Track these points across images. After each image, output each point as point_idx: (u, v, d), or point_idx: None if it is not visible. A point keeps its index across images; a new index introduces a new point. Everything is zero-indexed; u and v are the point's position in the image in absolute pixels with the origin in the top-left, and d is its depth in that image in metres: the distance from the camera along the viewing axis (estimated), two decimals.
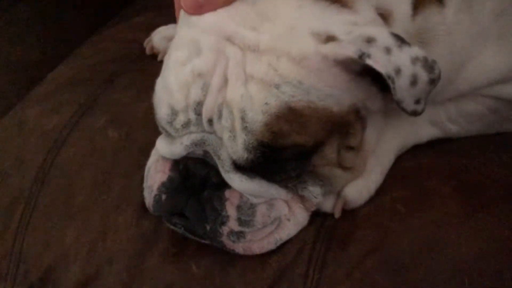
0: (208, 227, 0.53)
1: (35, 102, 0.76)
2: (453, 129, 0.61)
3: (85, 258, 0.60)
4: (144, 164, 0.59)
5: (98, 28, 0.98)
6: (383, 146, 0.57)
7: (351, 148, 0.53)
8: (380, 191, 0.57)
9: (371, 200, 0.56)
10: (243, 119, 0.48)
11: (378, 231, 0.53)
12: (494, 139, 0.61)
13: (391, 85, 0.46)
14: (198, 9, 0.50)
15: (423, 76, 0.47)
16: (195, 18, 0.51)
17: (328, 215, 0.56)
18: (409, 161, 0.59)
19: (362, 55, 0.46)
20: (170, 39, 0.78)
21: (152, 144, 0.59)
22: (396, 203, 0.55)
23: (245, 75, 0.48)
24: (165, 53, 0.77)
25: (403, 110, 0.48)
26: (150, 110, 0.67)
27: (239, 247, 0.53)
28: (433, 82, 0.48)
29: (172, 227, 0.56)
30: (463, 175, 0.56)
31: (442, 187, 0.55)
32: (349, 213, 0.55)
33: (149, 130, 0.65)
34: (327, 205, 0.56)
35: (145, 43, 0.83)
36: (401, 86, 0.47)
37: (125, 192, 0.63)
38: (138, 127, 0.68)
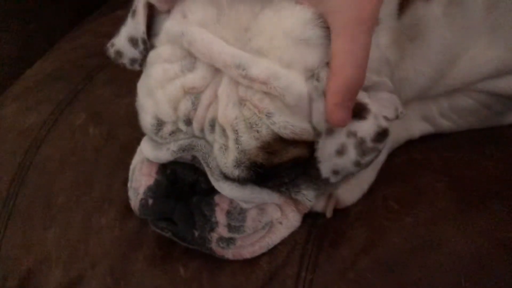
0: (196, 234, 0.51)
1: (13, 99, 0.74)
2: (446, 124, 0.60)
3: (67, 261, 0.58)
4: (127, 163, 0.57)
5: (79, 22, 0.96)
6: None
7: None
8: (372, 188, 0.55)
9: (364, 198, 0.55)
10: (236, 140, 0.46)
11: (370, 230, 0.52)
12: (487, 133, 0.60)
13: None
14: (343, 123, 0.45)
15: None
16: (189, 38, 0.46)
17: (320, 215, 0.54)
18: (402, 157, 0.58)
19: None
20: None
21: (134, 142, 0.57)
22: (388, 200, 0.54)
23: (238, 97, 0.46)
24: None
25: None
26: (131, 107, 0.64)
27: (229, 253, 0.51)
28: None
29: (158, 231, 0.54)
30: (456, 171, 0.55)
31: (435, 183, 0.54)
32: (341, 212, 0.54)
33: (131, 127, 0.63)
34: (319, 205, 0.54)
35: None
36: None
37: (108, 192, 0.60)
38: (120, 124, 0.65)
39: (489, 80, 0.57)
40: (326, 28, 0.45)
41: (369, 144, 0.46)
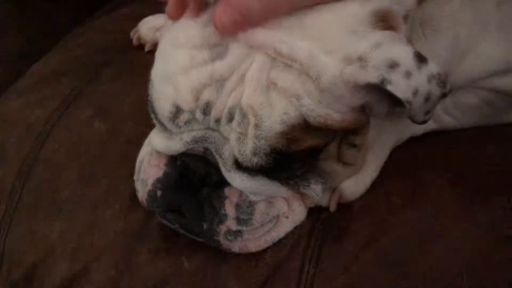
0: (205, 226, 0.51)
1: (18, 94, 0.74)
2: (449, 121, 0.60)
3: (71, 254, 0.58)
4: (132, 156, 0.57)
5: (83, 20, 0.96)
6: (379, 140, 0.56)
7: (354, 145, 0.52)
8: (376, 183, 0.55)
9: (367, 193, 0.55)
10: (257, 125, 0.46)
11: (374, 224, 0.52)
12: (490, 130, 0.60)
13: (407, 106, 0.46)
14: (233, 28, 0.46)
15: (437, 92, 0.47)
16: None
17: (323, 209, 0.55)
18: (404, 153, 0.58)
19: (383, 82, 0.45)
20: (157, 29, 0.77)
21: (139, 137, 0.57)
22: (391, 195, 0.54)
23: (267, 81, 0.46)
24: (152, 43, 0.77)
25: (413, 121, 0.49)
26: (137, 102, 0.66)
27: (236, 246, 0.52)
28: (444, 95, 0.48)
29: (165, 222, 0.54)
30: (459, 167, 0.56)
31: (438, 179, 0.55)
32: (344, 206, 0.54)
33: (136, 122, 0.64)
34: (323, 199, 0.54)
35: (131, 34, 0.81)
36: (415, 105, 0.46)
37: (113, 186, 0.61)
38: (125, 119, 0.66)
39: (494, 77, 0.58)
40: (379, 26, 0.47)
41: (442, 73, 0.47)
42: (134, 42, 0.80)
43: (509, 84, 0.57)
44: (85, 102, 0.69)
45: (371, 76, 0.45)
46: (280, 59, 0.46)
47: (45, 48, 0.88)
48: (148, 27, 0.79)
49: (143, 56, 0.75)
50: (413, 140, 0.59)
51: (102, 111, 0.67)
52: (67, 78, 0.75)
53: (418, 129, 0.60)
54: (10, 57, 0.93)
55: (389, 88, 0.45)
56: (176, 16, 0.51)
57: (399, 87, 0.45)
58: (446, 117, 0.60)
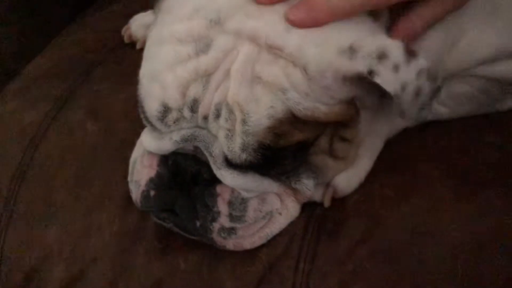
0: (198, 224, 0.51)
1: (11, 97, 0.74)
2: (443, 111, 0.59)
3: (68, 257, 0.58)
4: (126, 157, 0.57)
5: (75, 17, 0.95)
6: (372, 133, 0.55)
7: (344, 139, 0.51)
8: (369, 177, 0.55)
9: (361, 187, 0.55)
10: (244, 121, 0.46)
11: (368, 219, 0.52)
12: (484, 120, 0.60)
13: (396, 100, 0.46)
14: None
15: (426, 87, 0.46)
16: (214, 11, 0.47)
17: (318, 205, 0.54)
18: (398, 145, 0.58)
19: (371, 73, 0.45)
20: (148, 26, 0.76)
21: (132, 136, 0.57)
22: (385, 188, 0.54)
23: (252, 75, 0.46)
24: (143, 40, 0.76)
25: (407, 117, 0.49)
26: (129, 102, 0.65)
27: (230, 244, 0.51)
28: (434, 91, 0.47)
29: (159, 221, 0.54)
30: (453, 158, 0.55)
31: (432, 171, 0.54)
32: (338, 201, 0.54)
33: (129, 122, 0.64)
34: (317, 194, 0.54)
35: (123, 31, 0.80)
36: (405, 99, 0.46)
37: (107, 188, 0.61)
38: (118, 119, 0.65)
39: (486, 65, 0.57)
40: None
41: (432, 68, 0.47)
42: (126, 39, 0.79)
43: (502, 71, 0.57)
44: (77, 103, 0.69)
45: (360, 65, 0.45)
46: (268, 50, 0.46)
47: (39, 46, 0.87)
48: (139, 24, 0.78)
49: (134, 54, 0.74)
50: (406, 132, 0.59)
51: (95, 112, 0.67)
52: (59, 79, 0.74)
53: (411, 121, 0.60)
54: (4, 57, 0.92)
55: (377, 79, 0.45)
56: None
57: (387, 79, 0.45)
58: (440, 107, 0.59)
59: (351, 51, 0.45)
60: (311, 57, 0.45)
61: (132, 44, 0.78)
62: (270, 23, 0.46)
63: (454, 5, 0.51)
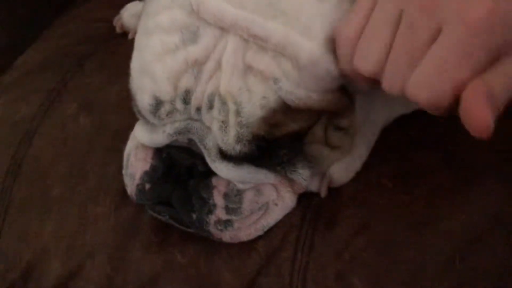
0: (194, 216, 0.51)
1: (2, 91, 0.73)
2: None
3: (65, 252, 0.58)
4: (120, 151, 0.56)
5: (67, 8, 0.94)
6: (368, 121, 0.55)
7: (340, 128, 0.51)
8: (366, 166, 0.54)
9: (357, 176, 0.54)
10: (238, 112, 0.45)
11: (365, 209, 0.51)
12: None
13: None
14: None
15: None
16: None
17: (314, 195, 0.54)
18: (395, 133, 0.57)
19: None
20: (139, 16, 0.76)
21: (126, 129, 0.57)
22: (382, 178, 0.53)
23: (243, 65, 0.45)
24: (135, 31, 0.75)
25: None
26: (122, 94, 0.64)
27: (226, 236, 0.51)
28: None
29: (155, 215, 0.54)
30: (451, 146, 0.54)
31: (430, 159, 0.53)
32: (335, 191, 0.54)
33: (123, 114, 0.63)
34: (313, 184, 0.54)
35: (114, 21, 0.79)
36: None
37: (102, 181, 0.60)
38: (111, 111, 0.65)
39: None
40: None
41: None
42: (118, 29, 0.78)
43: None
44: (70, 96, 0.68)
45: None
46: (253, 41, 0.45)
47: (30, 39, 0.86)
48: (131, 13, 0.77)
49: (127, 45, 0.73)
50: (403, 119, 0.58)
51: (87, 105, 0.66)
52: (51, 71, 0.73)
53: (409, 106, 0.59)
54: None
55: None
56: None
57: None
58: None
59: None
60: (300, 46, 0.44)
61: (124, 34, 0.77)
62: (251, 13, 0.44)
63: None
